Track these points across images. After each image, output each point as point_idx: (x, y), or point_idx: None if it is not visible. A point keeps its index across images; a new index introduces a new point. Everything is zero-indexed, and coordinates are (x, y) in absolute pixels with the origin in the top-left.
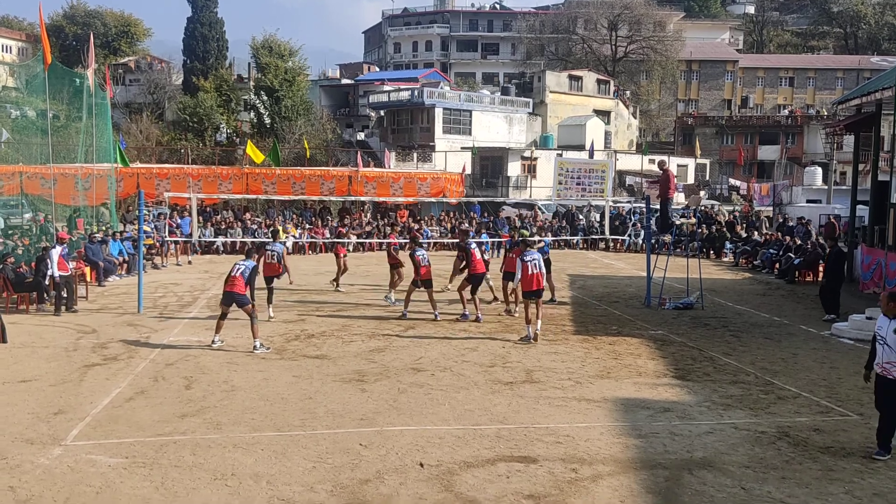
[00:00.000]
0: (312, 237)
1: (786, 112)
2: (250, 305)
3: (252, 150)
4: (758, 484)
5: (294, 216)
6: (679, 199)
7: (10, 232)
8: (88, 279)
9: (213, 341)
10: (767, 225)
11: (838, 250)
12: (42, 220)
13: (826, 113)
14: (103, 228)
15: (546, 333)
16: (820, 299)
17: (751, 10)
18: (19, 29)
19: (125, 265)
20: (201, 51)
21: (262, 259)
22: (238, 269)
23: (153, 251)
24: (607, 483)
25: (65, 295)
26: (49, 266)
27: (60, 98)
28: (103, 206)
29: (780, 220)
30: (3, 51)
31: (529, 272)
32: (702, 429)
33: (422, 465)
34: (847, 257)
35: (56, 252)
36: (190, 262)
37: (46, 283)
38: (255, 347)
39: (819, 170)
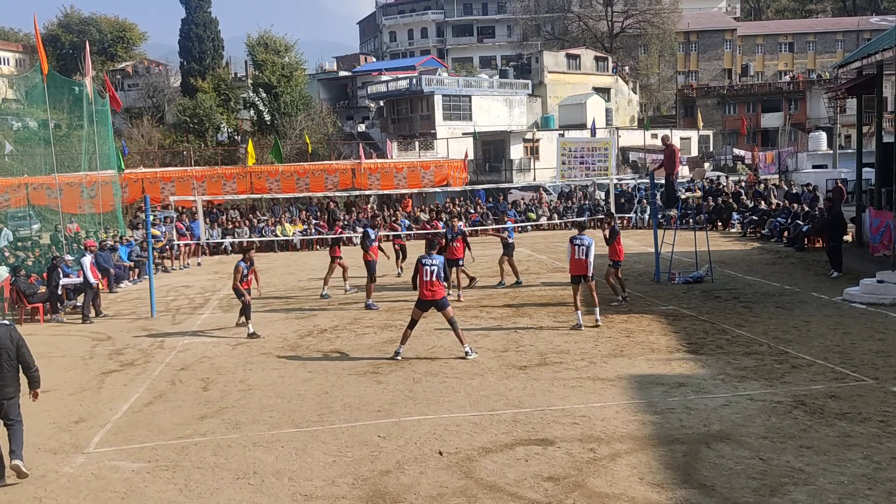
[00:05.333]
0: (319, 232)
1: (787, 78)
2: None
3: (250, 151)
4: (776, 454)
5: (301, 212)
6: (683, 172)
7: (18, 244)
8: (100, 287)
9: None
10: (775, 193)
11: (837, 212)
12: (77, 229)
13: (828, 77)
14: (112, 234)
15: (557, 315)
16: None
17: None
18: (15, 40)
19: (136, 270)
20: (197, 51)
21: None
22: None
23: (164, 254)
24: (626, 461)
25: (78, 303)
26: (63, 275)
27: (61, 107)
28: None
29: (786, 189)
30: (0, 63)
31: (575, 256)
32: (717, 402)
33: (441, 453)
34: (856, 220)
35: (87, 260)
36: (199, 264)
37: (59, 292)
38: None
39: (823, 135)
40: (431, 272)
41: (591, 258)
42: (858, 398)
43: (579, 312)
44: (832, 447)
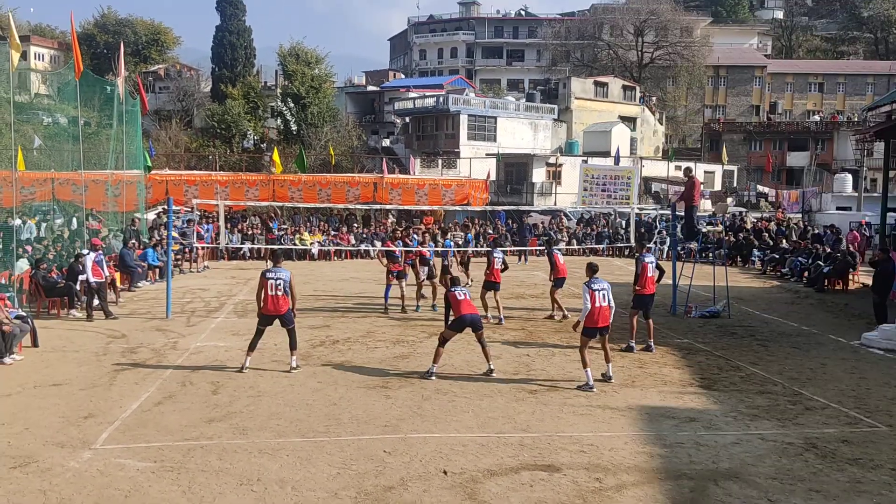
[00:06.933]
0: (338, 244)
1: (815, 118)
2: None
3: (277, 159)
4: (784, 496)
5: (321, 223)
6: (706, 205)
7: (41, 237)
8: (118, 284)
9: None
10: (796, 232)
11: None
12: (98, 226)
13: (856, 119)
14: (135, 232)
15: (571, 341)
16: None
17: (779, 15)
18: (52, 37)
19: (157, 270)
20: (229, 58)
21: None
22: (277, 284)
23: (179, 256)
24: (631, 493)
25: (96, 301)
26: (83, 271)
27: (91, 105)
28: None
29: (802, 229)
30: (35, 59)
31: (596, 304)
32: (728, 439)
33: (445, 472)
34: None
35: (90, 258)
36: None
37: (78, 288)
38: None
39: (849, 177)
40: (464, 294)
41: (613, 305)
42: (871, 444)
43: (589, 370)
44: (842, 492)
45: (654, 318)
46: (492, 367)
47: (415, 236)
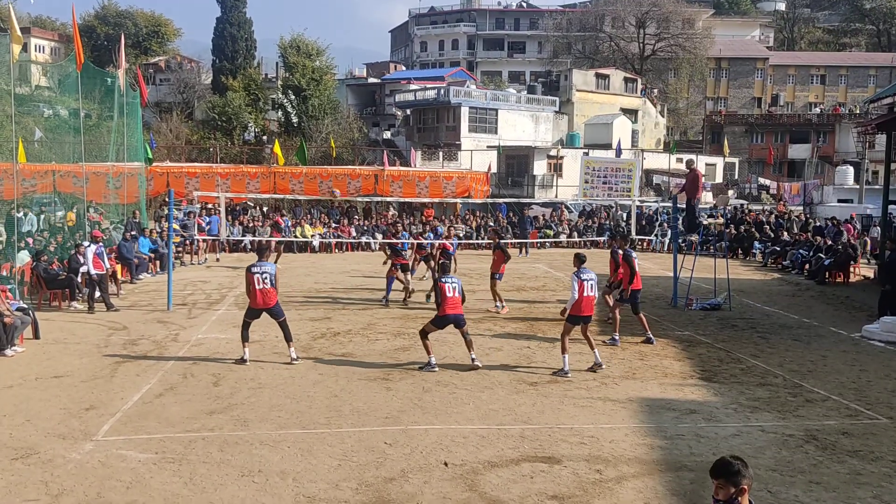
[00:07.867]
0: (339, 236)
1: (817, 110)
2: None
3: (278, 151)
4: (784, 487)
5: (322, 215)
6: (707, 198)
7: (42, 230)
8: (120, 276)
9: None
10: (797, 224)
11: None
12: (99, 218)
13: (858, 111)
14: (137, 224)
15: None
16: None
17: (781, 7)
18: (52, 29)
19: (157, 262)
20: (230, 50)
21: None
22: (264, 278)
23: (181, 249)
24: (632, 485)
25: (98, 294)
26: (83, 263)
27: (92, 97)
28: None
29: (803, 221)
30: (36, 50)
31: (584, 293)
32: (728, 431)
33: (446, 464)
34: (881, 257)
35: (91, 250)
36: (218, 260)
37: (79, 280)
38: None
39: (850, 169)
40: (454, 289)
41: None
42: (871, 436)
43: (567, 356)
44: (842, 484)
45: (656, 311)
46: (474, 357)
47: (433, 232)
